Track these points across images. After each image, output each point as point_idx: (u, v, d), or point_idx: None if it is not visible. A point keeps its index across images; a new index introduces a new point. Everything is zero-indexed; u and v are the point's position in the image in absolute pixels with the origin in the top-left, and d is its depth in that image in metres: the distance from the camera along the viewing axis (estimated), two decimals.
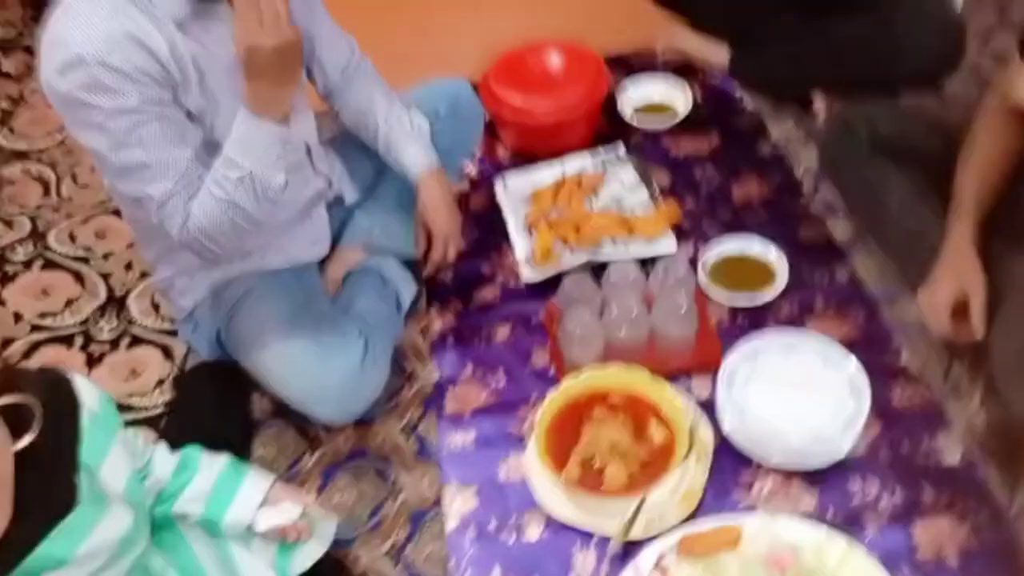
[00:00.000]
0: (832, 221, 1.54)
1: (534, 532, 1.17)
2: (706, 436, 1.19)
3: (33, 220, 1.81)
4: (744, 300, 1.37)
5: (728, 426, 1.18)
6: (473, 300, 1.53)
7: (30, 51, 2.32)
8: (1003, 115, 1.19)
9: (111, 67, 1.05)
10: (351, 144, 1.53)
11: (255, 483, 1.05)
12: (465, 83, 1.63)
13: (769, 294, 1.37)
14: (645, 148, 1.76)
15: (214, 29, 1.16)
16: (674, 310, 1.28)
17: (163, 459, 1.02)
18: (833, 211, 1.55)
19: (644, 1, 1.90)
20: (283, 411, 1.38)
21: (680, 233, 1.53)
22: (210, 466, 1.04)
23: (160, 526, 1.01)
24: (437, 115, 1.54)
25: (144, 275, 1.66)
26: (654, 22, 1.94)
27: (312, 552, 1.09)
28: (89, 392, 0.89)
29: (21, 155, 2.02)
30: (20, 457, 0.75)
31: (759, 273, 1.42)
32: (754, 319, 1.37)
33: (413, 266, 1.57)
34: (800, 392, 1.18)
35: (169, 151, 1.12)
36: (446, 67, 1.70)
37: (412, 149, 1.43)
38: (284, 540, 1.07)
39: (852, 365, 1.18)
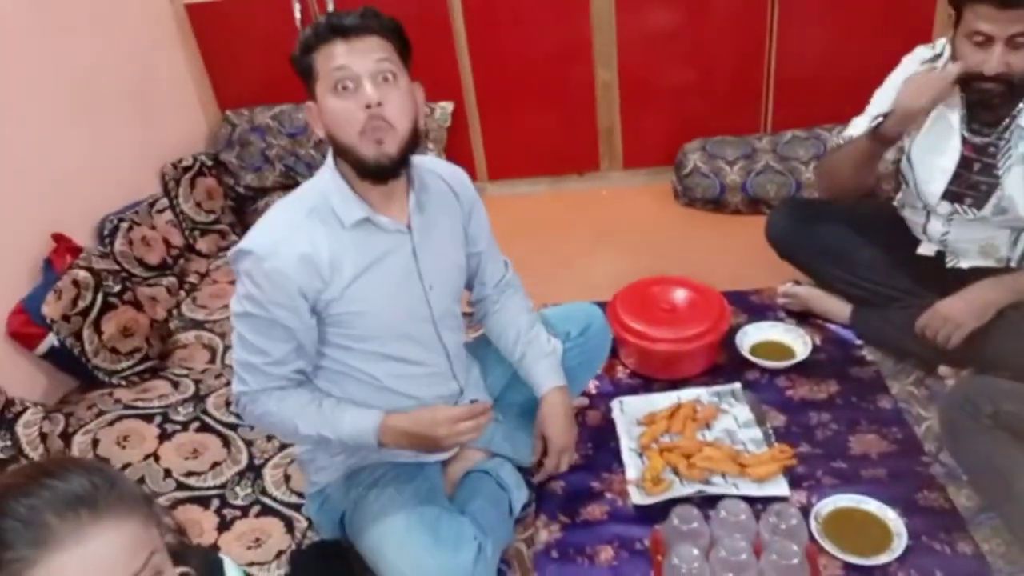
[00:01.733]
0: (954, 487, 1.51)
1: None
2: None
3: (197, 384, 2.04)
4: (860, 559, 1.35)
5: None
6: (580, 515, 1.57)
7: (223, 234, 2.71)
8: None
9: (262, 270, 1.27)
10: (488, 352, 1.68)
11: None
12: (598, 310, 1.77)
13: (886, 557, 1.35)
14: (760, 387, 1.82)
15: (380, 236, 1.36)
16: (785, 561, 1.27)
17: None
18: (955, 477, 1.52)
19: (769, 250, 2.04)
20: None
21: (792, 478, 1.54)
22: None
23: None
24: (568, 336, 1.68)
25: (284, 447, 1.81)
26: (779, 269, 2.06)
27: None
28: (234, 574, 0.99)
29: (197, 323, 2.31)
30: None
31: (875, 531, 1.40)
32: None
33: (526, 472, 1.64)
34: None
35: (259, 348, 1.33)
36: (582, 292, 1.86)
37: (544, 365, 1.55)
38: None
39: None
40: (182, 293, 2.42)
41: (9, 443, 1.70)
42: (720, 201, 2.65)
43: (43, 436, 1.76)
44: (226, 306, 2.33)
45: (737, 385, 1.80)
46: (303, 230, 1.30)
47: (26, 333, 1.89)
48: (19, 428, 1.74)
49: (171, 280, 2.40)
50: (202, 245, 2.62)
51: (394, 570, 1.33)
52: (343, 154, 1.29)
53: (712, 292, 1.93)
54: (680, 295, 1.94)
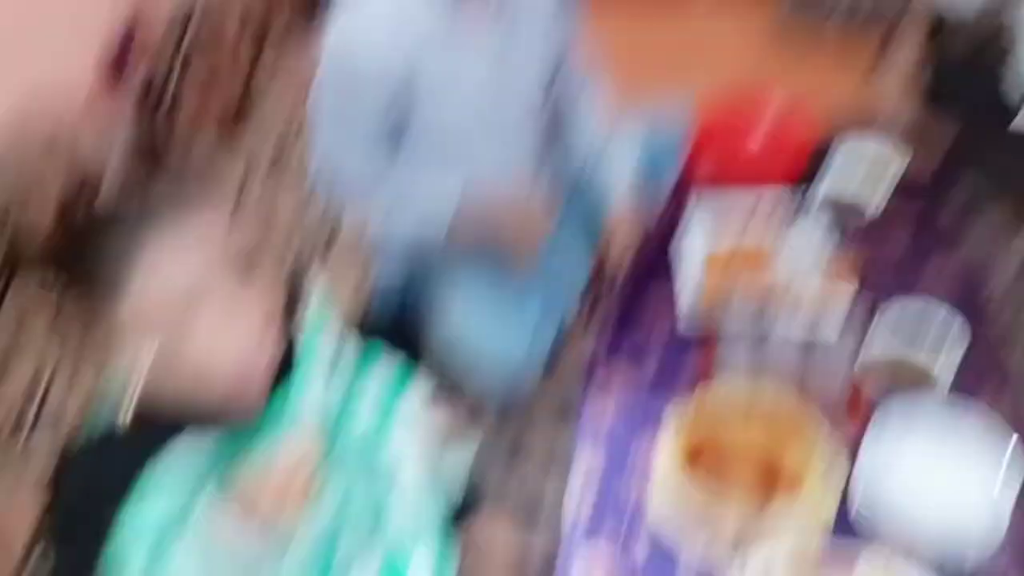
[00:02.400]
0: None
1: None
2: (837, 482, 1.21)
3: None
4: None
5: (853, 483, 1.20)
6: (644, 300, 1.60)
7: None
8: None
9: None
10: None
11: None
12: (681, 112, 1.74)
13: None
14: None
15: None
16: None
17: None
18: None
19: None
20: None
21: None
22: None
23: None
24: (648, 140, 1.67)
25: None
26: None
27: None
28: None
29: None
30: None
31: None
32: None
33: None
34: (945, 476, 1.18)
35: None
36: None
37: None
38: None
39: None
40: None
41: None
42: None
43: None
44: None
45: (813, 199, 1.77)
46: None
47: None
48: None
49: None
50: None
51: (458, 340, 1.41)
52: None
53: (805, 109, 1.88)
54: (769, 109, 1.90)
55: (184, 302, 0.84)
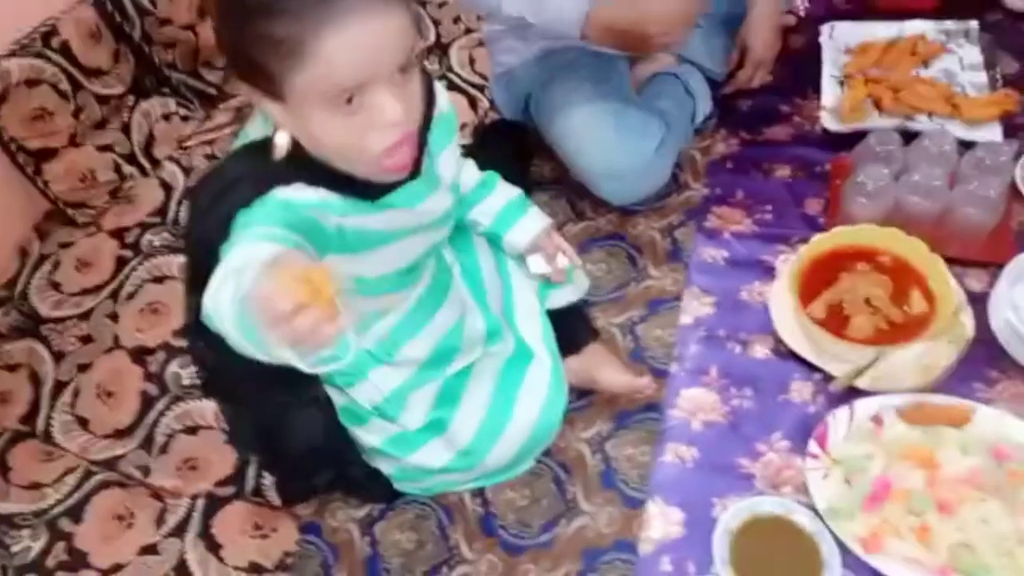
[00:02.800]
0: None
1: (759, 352, 1.24)
2: (966, 323, 1.17)
3: None
4: None
5: (996, 322, 1.15)
6: (763, 133, 1.53)
7: None
8: None
9: None
10: None
11: (535, 218, 1.20)
12: None
13: None
14: (1002, 30, 1.59)
15: None
16: (981, 193, 1.22)
17: (470, 171, 1.18)
18: None
19: None
20: (561, 180, 1.51)
21: (1010, 128, 1.41)
22: (504, 191, 1.19)
23: (455, 227, 1.19)
24: None
25: (469, 31, 1.82)
26: None
27: (566, 295, 1.24)
28: (443, 96, 1.05)
29: None
30: None
31: None
32: None
33: (715, 87, 1.58)
34: None
35: None
36: None
37: None
38: (548, 281, 1.22)
39: None
40: None
41: None
42: None
43: None
44: None
45: (973, 24, 1.58)
46: None
47: None
48: None
49: None
50: None
51: (576, 149, 1.38)
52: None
53: None
54: None
55: None
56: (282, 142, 0.85)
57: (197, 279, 0.82)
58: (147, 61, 1.68)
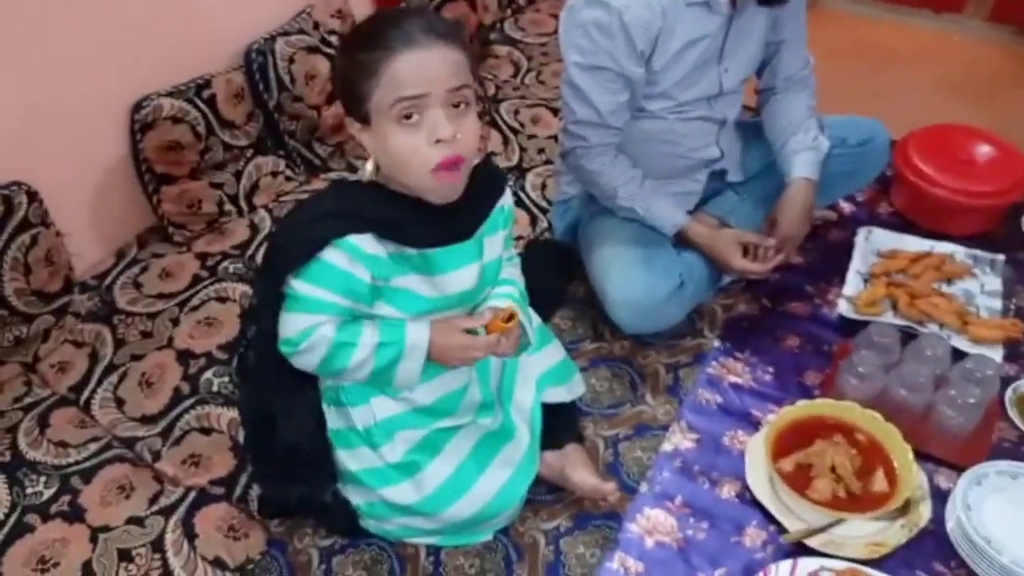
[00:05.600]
0: None
1: (726, 492, 1.31)
2: (924, 514, 1.22)
3: (497, 89, 2.32)
4: None
5: (950, 520, 1.20)
6: (783, 305, 1.66)
7: None
8: None
9: (620, 23, 1.36)
10: (755, 136, 1.72)
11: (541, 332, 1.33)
12: (883, 127, 1.72)
13: None
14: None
15: (709, 18, 1.42)
16: (962, 399, 1.29)
17: (511, 269, 1.33)
18: None
19: None
20: (591, 302, 1.66)
21: (1012, 354, 1.49)
22: (524, 293, 1.33)
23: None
24: (844, 142, 1.67)
25: (548, 162, 2.05)
26: None
27: (561, 394, 1.36)
28: (509, 195, 1.24)
29: (513, 41, 2.54)
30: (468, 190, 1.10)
31: None
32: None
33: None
34: None
35: (599, 102, 1.45)
36: (881, 117, 1.78)
37: (802, 156, 1.57)
38: (547, 375, 1.35)
39: None
40: (509, 11, 2.64)
41: None
42: None
43: None
44: (540, 34, 2.55)
45: (1000, 257, 1.70)
46: None
47: None
48: None
49: None
50: None
51: (604, 276, 1.53)
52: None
53: (1019, 157, 1.77)
54: (983, 151, 1.80)
55: None
56: (369, 167, 1.09)
57: (270, 274, 1.11)
58: (273, 126, 1.97)
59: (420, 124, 1.00)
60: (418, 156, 1.01)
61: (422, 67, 0.97)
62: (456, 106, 1.01)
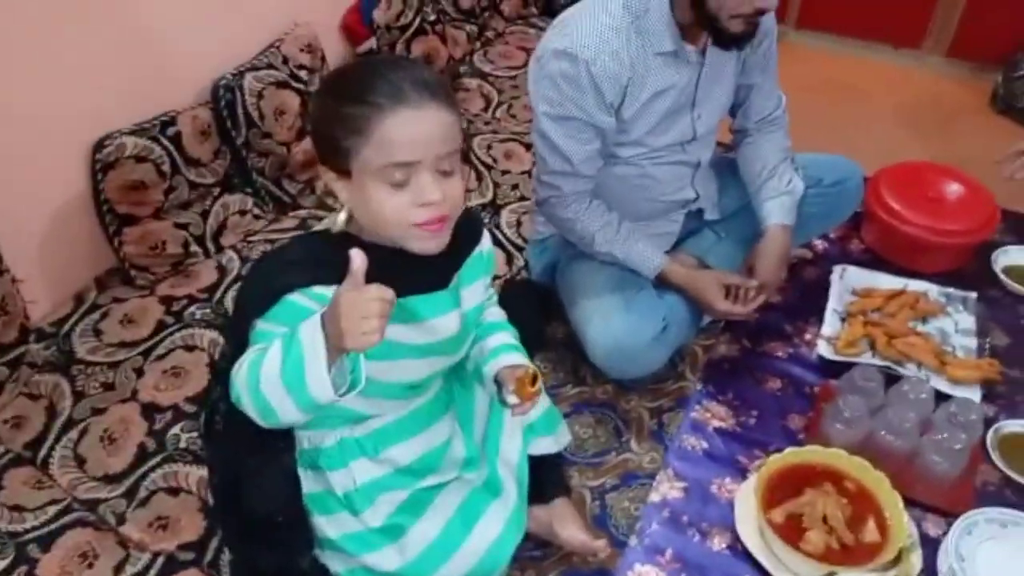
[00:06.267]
0: None
1: (716, 544, 1.29)
2: (915, 564, 1.21)
3: (468, 124, 2.29)
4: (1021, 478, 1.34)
5: (943, 569, 1.19)
6: (763, 346, 1.66)
7: (525, 2, 2.85)
8: None
9: (588, 73, 1.34)
10: (730, 173, 1.72)
11: (516, 357, 1.30)
12: (858, 167, 1.74)
13: None
14: (998, 305, 1.73)
15: (677, 67, 1.42)
16: (947, 444, 1.30)
17: (492, 310, 1.30)
18: None
19: None
20: (570, 345, 1.63)
21: (990, 395, 1.50)
22: (505, 335, 1.29)
23: (461, 367, 1.29)
24: (819, 183, 1.68)
25: (523, 199, 2.03)
26: None
27: (547, 445, 1.32)
28: (487, 239, 1.20)
29: (483, 74, 2.52)
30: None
31: None
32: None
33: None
34: None
35: (569, 151, 1.43)
36: (848, 152, 1.82)
37: (777, 201, 1.58)
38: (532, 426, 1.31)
39: None
40: (478, 44, 2.63)
41: None
42: None
43: None
44: (510, 67, 2.54)
45: (973, 295, 1.72)
46: (622, 40, 1.35)
47: (355, 31, 2.20)
48: None
49: (472, 29, 2.60)
50: (506, 7, 2.78)
51: (588, 322, 1.51)
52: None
53: (987, 196, 1.80)
54: (952, 189, 1.84)
55: None
56: (340, 218, 1.04)
57: (236, 329, 1.02)
58: (241, 163, 1.91)
59: (406, 186, 0.96)
60: (402, 216, 0.97)
61: (415, 131, 0.93)
62: (445, 171, 0.98)
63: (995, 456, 1.37)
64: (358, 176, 0.97)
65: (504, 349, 1.20)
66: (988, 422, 1.42)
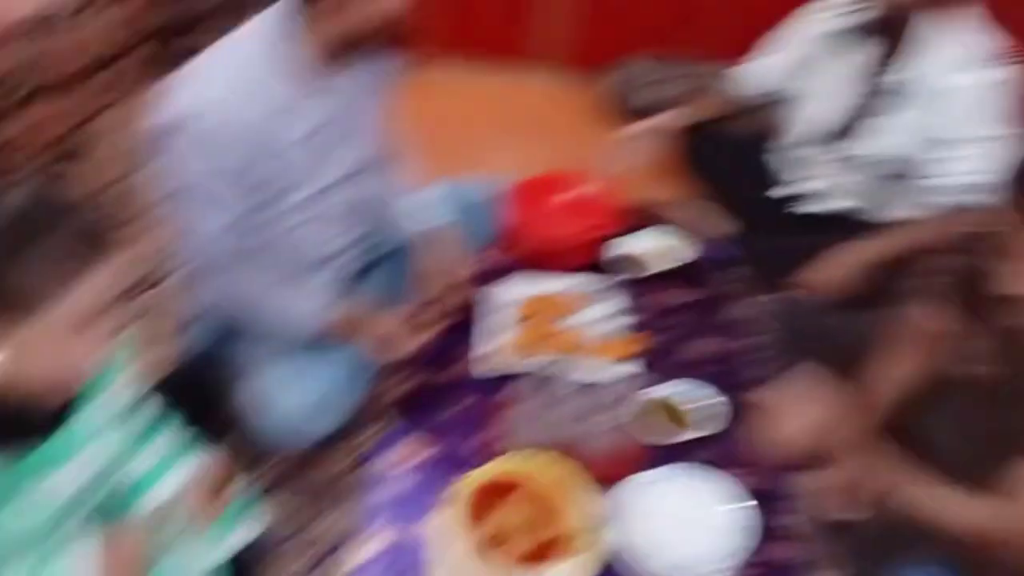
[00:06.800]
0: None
1: None
2: (608, 540, 1.34)
3: None
4: (663, 437, 1.55)
5: (613, 536, 1.34)
6: (439, 373, 1.71)
7: None
8: None
9: None
10: None
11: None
12: (488, 186, 1.88)
13: (688, 434, 1.55)
14: (631, 289, 1.94)
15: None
16: (607, 423, 1.47)
17: None
18: None
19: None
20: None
21: (632, 371, 1.69)
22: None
23: None
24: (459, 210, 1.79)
25: None
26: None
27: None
28: None
29: None
30: None
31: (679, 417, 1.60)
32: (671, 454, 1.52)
33: None
34: (688, 524, 1.36)
35: None
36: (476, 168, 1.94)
37: None
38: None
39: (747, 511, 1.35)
40: None
41: None
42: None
43: None
44: None
45: (611, 283, 1.93)
46: None
47: None
48: None
49: None
50: None
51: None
52: None
53: (606, 193, 2.05)
54: (576, 192, 2.06)
55: None
56: None
57: None
58: None
59: None
60: None
61: None
62: None
63: (642, 424, 1.56)
64: None
65: None
66: (638, 394, 1.61)
